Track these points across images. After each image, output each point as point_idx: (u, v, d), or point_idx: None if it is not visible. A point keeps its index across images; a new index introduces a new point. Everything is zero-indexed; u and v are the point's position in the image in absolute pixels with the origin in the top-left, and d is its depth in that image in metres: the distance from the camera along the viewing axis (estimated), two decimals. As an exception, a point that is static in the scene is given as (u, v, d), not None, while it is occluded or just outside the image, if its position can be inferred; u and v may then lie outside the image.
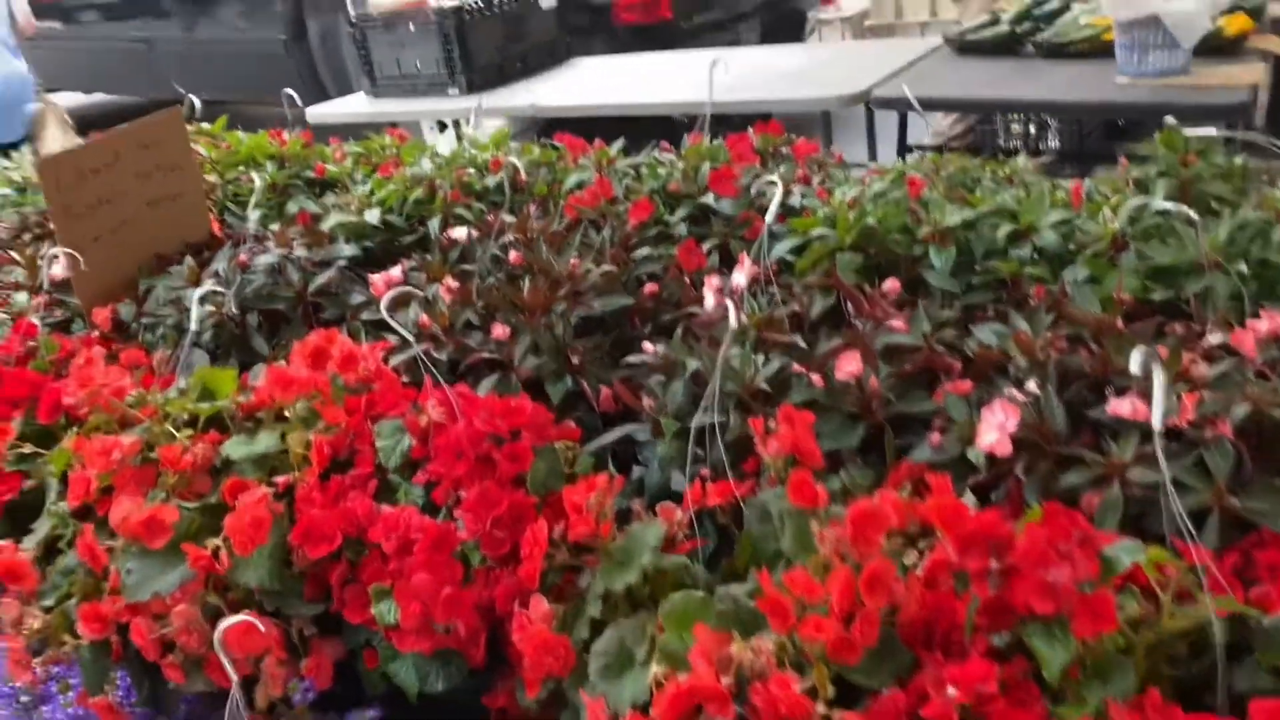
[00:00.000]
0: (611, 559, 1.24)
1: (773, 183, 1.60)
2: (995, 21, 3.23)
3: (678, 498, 1.37)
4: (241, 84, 6.32)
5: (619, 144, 2.13)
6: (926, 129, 3.48)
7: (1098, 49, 2.88)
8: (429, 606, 1.22)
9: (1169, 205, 1.39)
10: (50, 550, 1.45)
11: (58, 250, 1.80)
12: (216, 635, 1.24)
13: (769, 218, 1.54)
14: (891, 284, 1.55)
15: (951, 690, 0.97)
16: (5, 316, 1.95)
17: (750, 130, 2.11)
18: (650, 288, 1.70)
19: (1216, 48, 2.78)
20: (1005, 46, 3.18)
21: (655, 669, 1.08)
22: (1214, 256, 1.37)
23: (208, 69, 6.30)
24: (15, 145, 4.93)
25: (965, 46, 3.26)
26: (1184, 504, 1.12)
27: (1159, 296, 1.38)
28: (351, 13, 3.75)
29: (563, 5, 4.72)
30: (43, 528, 1.46)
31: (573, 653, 1.18)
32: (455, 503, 1.32)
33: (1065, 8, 3.15)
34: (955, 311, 1.52)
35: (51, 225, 2.00)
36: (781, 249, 1.73)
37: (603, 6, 5.08)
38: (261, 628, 1.26)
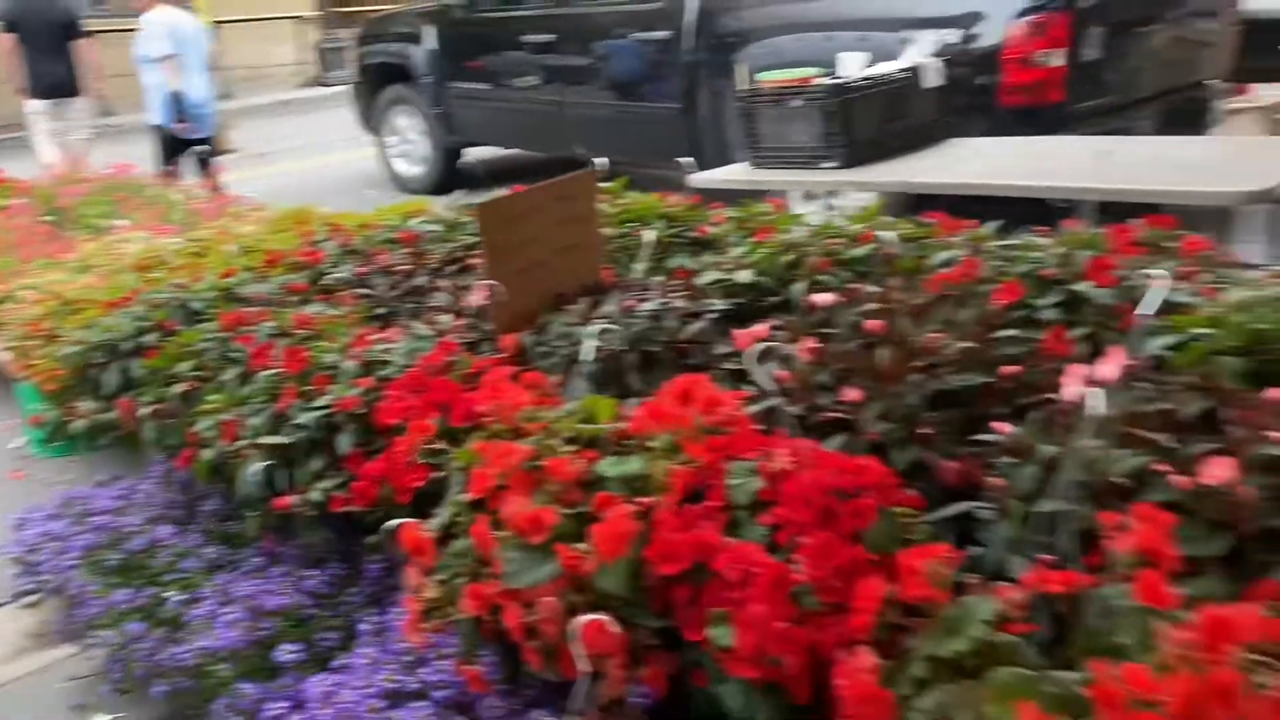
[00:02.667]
0: (942, 625, 1.27)
1: (1157, 276, 1.56)
2: None
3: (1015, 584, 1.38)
4: (634, 147, 6.86)
5: (992, 225, 2.15)
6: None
7: None
8: (763, 637, 1.31)
9: None
10: (448, 534, 1.69)
11: (488, 281, 2.10)
12: (572, 627, 1.40)
13: (1146, 308, 1.51)
14: (1278, 393, 1.46)
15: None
16: (431, 333, 2.29)
17: (1136, 222, 2.05)
18: (1009, 369, 1.70)
19: None
20: None
21: (973, 735, 1.11)
22: None
23: (607, 132, 6.90)
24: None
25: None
26: None
27: None
28: (741, 88, 4.01)
29: (944, 85, 4.75)
30: (445, 514, 1.71)
31: (892, 708, 1.22)
32: (794, 547, 1.41)
33: None
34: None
35: (477, 259, 2.33)
36: (1157, 344, 1.67)
37: (987, 87, 5.03)
38: (613, 628, 1.41)
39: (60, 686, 2.47)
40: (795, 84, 3.85)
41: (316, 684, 1.75)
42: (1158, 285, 1.51)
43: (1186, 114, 5.86)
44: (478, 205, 2.11)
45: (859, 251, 2.22)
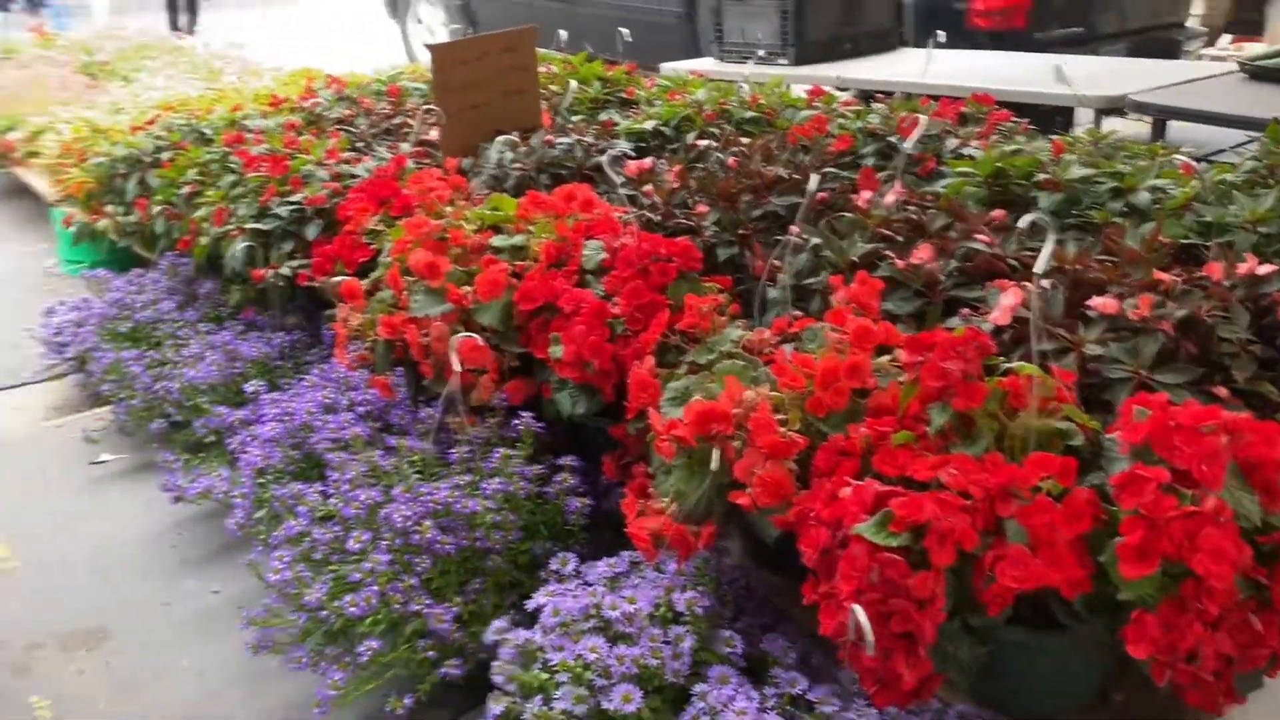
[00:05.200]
0: (704, 345, 1.76)
1: (918, 123, 2.02)
2: (1289, 52, 3.28)
3: (787, 338, 1.87)
4: (638, 48, 7.24)
5: (847, 94, 2.60)
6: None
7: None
8: (581, 347, 1.81)
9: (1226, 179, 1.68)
10: (376, 288, 2.19)
11: (433, 108, 2.58)
12: (452, 341, 1.91)
13: (906, 146, 1.97)
14: (997, 212, 1.93)
15: (863, 429, 1.42)
16: (390, 155, 2.77)
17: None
18: (821, 195, 2.17)
19: None
20: (1297, 76, 3.24)
21: (696, 398, 1.60)
22: (1249, 220, 1.65)
23: (612, 32, 7.27)
24: None
25: (1255, 72, 3.33)
26: (1114, 373, 1.48)
27: (1189, 241, 1.68)
28: (712, -14, 4.42)
29: (921, 5, 5.13)
30: (375, 274, 2.21)
31: (660, 392, 1.71)
32: (618, 294, 1.90)
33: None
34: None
35: (435, 98, 2.79)
36: (940, 184, 2.14)
37: (958, 8, 5.39)
38: (484, 346, 1.91)
39: (76, 438, 3.02)
40: (760, -15, 4.25)
41: (269, 400, 2.27)
42: (919, 125, 1.96)
43: (1154, 53, 6.17)
44: (431, 46, 2.57)
45: (749, 114, 2.67)
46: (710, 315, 1.80)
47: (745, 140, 2.46)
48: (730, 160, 2.33)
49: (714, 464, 1.50)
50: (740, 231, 2.10)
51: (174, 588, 2.29)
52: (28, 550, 2.50)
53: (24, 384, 3.41)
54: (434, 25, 8.87)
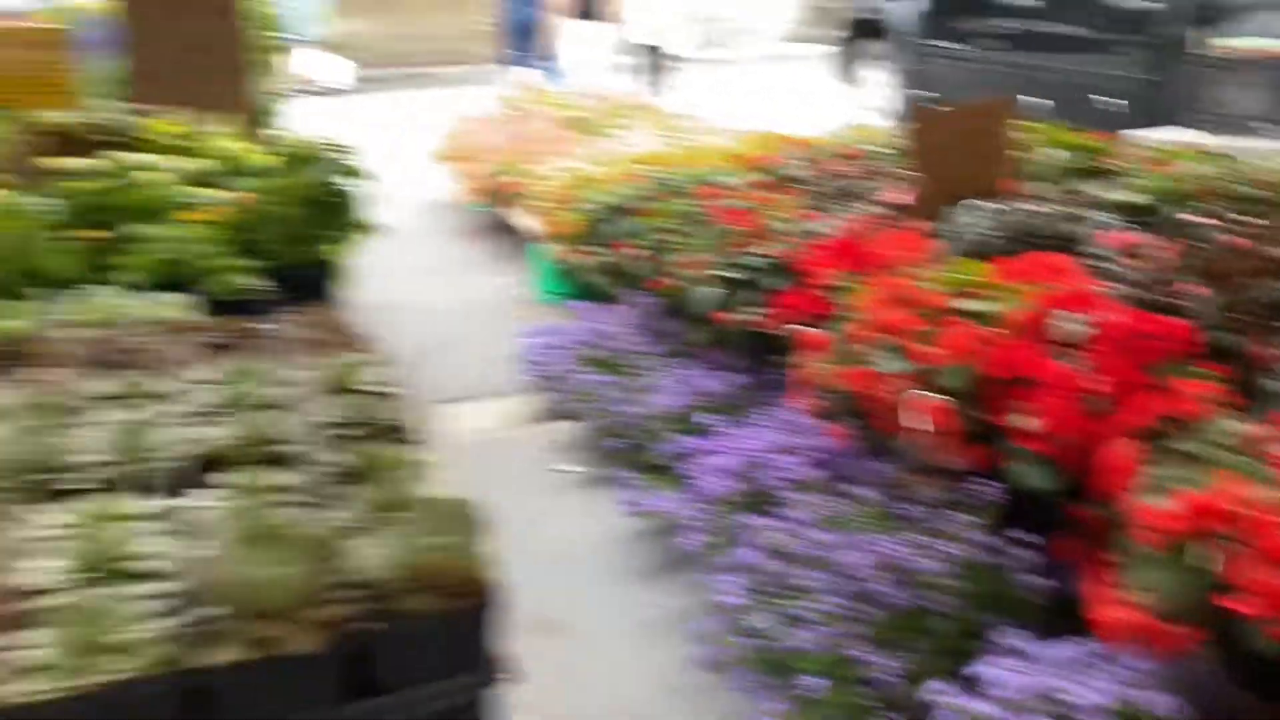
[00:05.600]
0: (1192, 432, 1.66)
1: None
2: None
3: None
4: (1096, 113, 6.87)
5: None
6: None
7: None
8: (1052, 420, 1.77)
9: None
10: (836, 341, 2.28)
11: (895, 170, 2.64)
12: (905, 392, 1.94)
13: None
14: None
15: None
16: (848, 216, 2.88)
17: None
18: (1340, 286, 1.96)
19: None
20: None
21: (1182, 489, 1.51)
22: None
23: (1064, 94, 6.96)
24: None
25: None
26: None
27: None
28: (1193, 52, 4.10)
29: None
30: (837, 326, 2.30)
31: (1136, 477, 1.63)
32: (1097, 368, 1.83)
33: None
34: None
35: (896, 171, 2.85)
36: None
37: None
38: (943, 403, 1.93)
39: (542, 447, 3.40)
40: (1255, 53, 3.89)
41: (725, 433, 2.43)
42: None
43: None
44: (917, 113, 2.64)
45: (1246, 188, 2.47)
46: (1203, 402, 1.69)
47: (1245, 218, 2.27)
48: (1235, 239, 2.17)
49: (1206, 563, 1.41)
50: (1240, 316, 1.94)
51: (621, 594, 2.52)
52: (501, 539, 2.87)
53: (504, 395, 3.90)
54: (885, 90, 9.00)
